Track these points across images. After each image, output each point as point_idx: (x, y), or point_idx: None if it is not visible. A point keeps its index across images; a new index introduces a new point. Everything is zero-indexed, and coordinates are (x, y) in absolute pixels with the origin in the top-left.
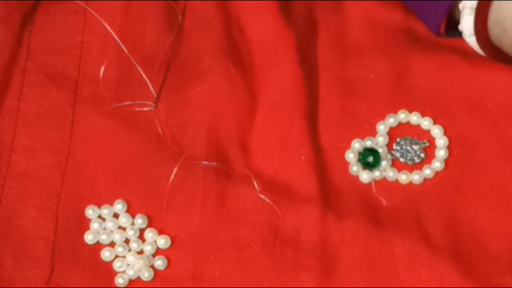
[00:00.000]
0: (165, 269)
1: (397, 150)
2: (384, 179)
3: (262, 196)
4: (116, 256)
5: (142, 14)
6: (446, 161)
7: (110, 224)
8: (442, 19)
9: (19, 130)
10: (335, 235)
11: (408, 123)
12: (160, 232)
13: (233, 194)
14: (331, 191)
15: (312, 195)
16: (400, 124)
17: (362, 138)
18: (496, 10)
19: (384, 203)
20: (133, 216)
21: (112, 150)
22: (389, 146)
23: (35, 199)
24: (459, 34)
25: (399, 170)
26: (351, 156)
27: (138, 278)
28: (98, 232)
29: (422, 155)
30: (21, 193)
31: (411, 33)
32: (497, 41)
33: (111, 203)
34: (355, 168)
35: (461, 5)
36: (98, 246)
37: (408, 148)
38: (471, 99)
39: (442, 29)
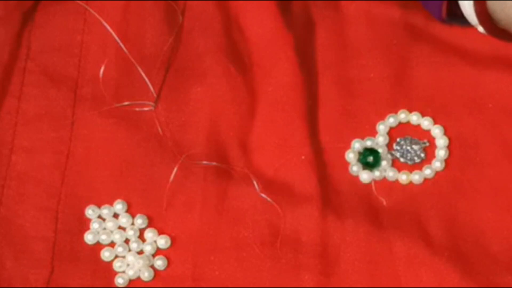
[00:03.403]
0: (165, 269)
1: (397, 150)
2: (384, 179)
3: (263, 195)
4: (116, 256)
5: (142, 14)
6: (446, 161)
7: (110, 224)
8: (442, 2)
9: (19, 130)
10: (335, 235)
11: (408, 123)
12: (160, 232)
13: (233, 194)
14: (331, 191)
15: (312, 195)
16: (400, 124)
17: (362, 138)
18: None
19: (384, 203)
20: (133, 216)
21: (112, 150)
22: (389, 146)
23: (35, 199)
24: (460, 20)
25: (399, 170)
26: (351, 156)
27: (138, 278)
28: (98, 232)
29: (422, 155)
30: (21, 193)
31: (410, 29)
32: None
33: (111, 203)
34: (355, 168)
35: None
36: (98, 246)
37: (408, 148)
38: (471, 99)
39: (444, 13)
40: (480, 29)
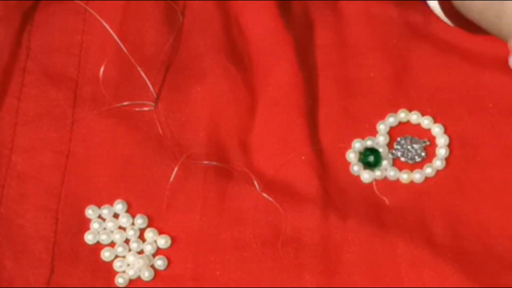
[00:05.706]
0: (165, 269)
1: (397, 149)
2: (385, 179)
3: (264, 195)
4: (116, 256)
5: (142, 14)
6: (447, 160)
7: (110, 224)
8: None
9: (19, 130)
10: (337, 235)
11: (408, 122)
12: (160, 232)
13: (234, 194)
14: (332, 191)
15: (313, 195)
16: (400, 123)
17: (363, 137)
18: None
19: (387, 202)
20: (133, 216)
21: (112, 150)
22: (389, 145)
23: (35, 199)
24: None
25: (400, 169)
26: (351, 156)
27: (138, 278)
28: (98, 232)
29: (423, 154)
30: (21, 193)
31: (410, 28)
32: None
33: (111, 203)
34: (356, 168)
35: None
36: (98, 246)
37: (409, 147)
38: (471, 98)
39: None
40: (446, 20)
